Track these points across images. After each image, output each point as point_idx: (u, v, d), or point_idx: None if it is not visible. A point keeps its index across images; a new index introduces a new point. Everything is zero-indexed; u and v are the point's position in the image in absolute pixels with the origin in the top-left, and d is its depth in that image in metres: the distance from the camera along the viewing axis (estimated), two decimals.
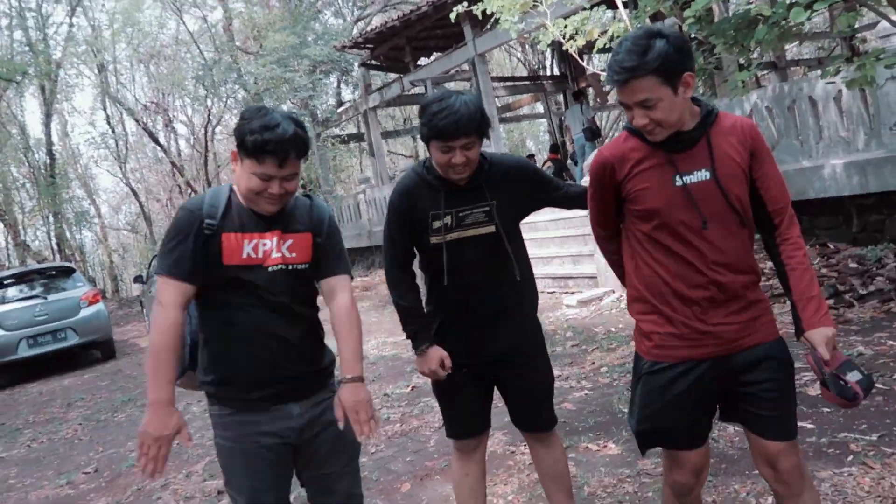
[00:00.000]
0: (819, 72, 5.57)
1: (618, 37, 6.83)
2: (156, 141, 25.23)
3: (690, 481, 2.01)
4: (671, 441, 2.00)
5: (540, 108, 19.50)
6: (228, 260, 1.96)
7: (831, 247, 6.46)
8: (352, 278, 2.19)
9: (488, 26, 10.86)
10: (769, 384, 1.88)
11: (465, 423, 2.45)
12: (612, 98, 16.76)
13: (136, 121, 24.95)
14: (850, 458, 2.96)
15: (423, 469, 3.75)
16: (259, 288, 1.97)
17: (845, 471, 2.85)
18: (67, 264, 12.11)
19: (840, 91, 6.14)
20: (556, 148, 14.73)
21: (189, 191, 26.04)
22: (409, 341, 2.40)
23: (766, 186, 1.88)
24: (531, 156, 17.23)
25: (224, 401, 2.03)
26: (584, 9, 7.57)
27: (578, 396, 4.44)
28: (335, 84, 19.10)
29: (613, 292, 7.31)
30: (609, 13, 13.36)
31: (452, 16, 7.57)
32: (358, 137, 19.55)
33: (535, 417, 2.46)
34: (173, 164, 25.71)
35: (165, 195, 29.71)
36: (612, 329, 6.06)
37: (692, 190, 1.84)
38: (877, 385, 3.69)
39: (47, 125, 22.77)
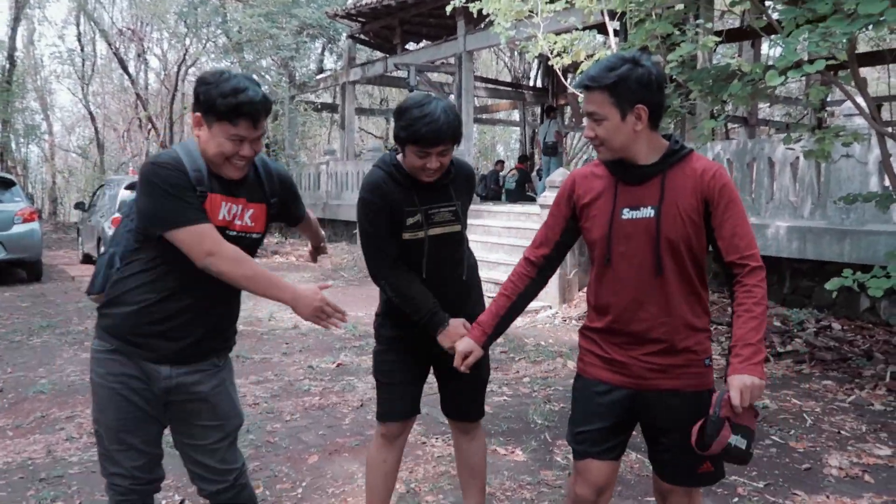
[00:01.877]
0: (783, 136, 5.81)
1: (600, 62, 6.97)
2: (125, 69, 24.39)
3: (591, 498, 2.01)
4: (583, 444, 2.01)
5: (516, 115, 19.65)
6: (211, 216, 1.98)
7: None
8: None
9: (481, 25, 10.91)
10: (674, 434, 1.91)
11: (396, 406, 2.48)
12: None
13: (108, 44, 24.05)
14: (736, 500, 3.13)
15: (334, 444, 3.79)
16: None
17: None
18: (7, 176, 11.64)
19: (798, 158, 6.42)
20: (524, 158, 14.94)
21: (149, 126, 25.32)
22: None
23: (721, 236, 1.85)
24: (500, 161, 17.35)
25: (113, 336, 2.03)
26: (577, 29, 7.69)
27: (497, 401, 4.54)
28: (319, 50, 18.86)
29: (550, 308, 7.46)
30: (600, 38, 13.58)
31: (448, 8, 7.59)
32: (331, 108, 19.37)
33: (467, 407, 2.54)
34: (138, 95, 24.91)
35: (124, 126, 28.80)
36: (542, 343, 6.20)
37: (631, 226, 1.87)
38: (773, 438, 3.90)
39: (13, 28, 21.77)
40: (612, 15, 6.86)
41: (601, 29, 8.58)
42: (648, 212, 1.86)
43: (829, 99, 11.01)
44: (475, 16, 8.32)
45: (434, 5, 12.11)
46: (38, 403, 4.50)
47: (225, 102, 1.88)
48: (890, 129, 5.08)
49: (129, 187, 10.17)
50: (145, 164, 1.97)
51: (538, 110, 18.39)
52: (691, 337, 1.92)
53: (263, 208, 2.13)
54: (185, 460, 2.18)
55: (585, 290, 2.19)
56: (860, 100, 4.89)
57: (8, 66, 21.72)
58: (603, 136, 1.85)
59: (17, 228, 9.65)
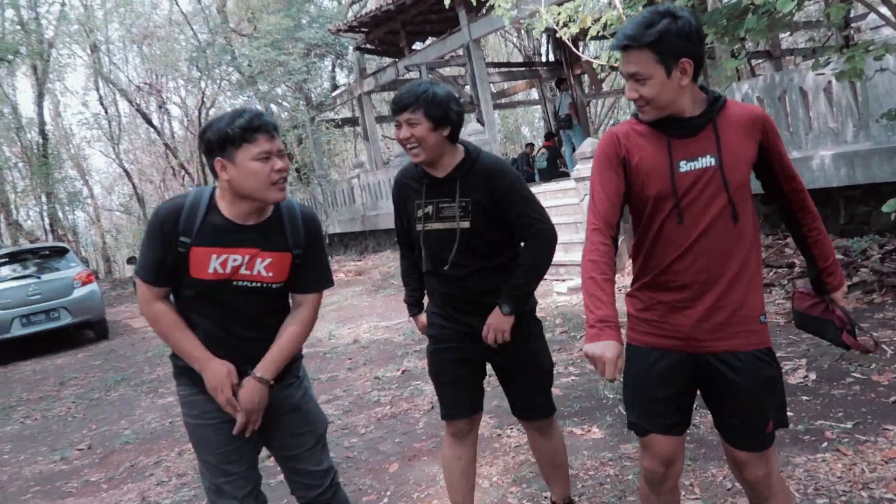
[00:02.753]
0: (811, 62, 5.61)
1: (611, 25, 6.85)
2: (149, 122, 25.08)
3: (660, 470, 1.96)
4: (644, 422, 1.96)
5: (535, 94, 19.47)
6: (196, 274, 2.00)
7: None
8: (332, 283, 2.23)
9: (483, 11, 10.85)
10: (740, 395, 1.84)
11: (457, 404, 2.48)
12: (607, 86, 16.78)
13: (129, 101, 24.79)
14: (825, 444, 3.05)
15: (412, 450, 3.83)
16: (224, 302, 2.03)
17: (819, 457, 2.94)
18: (61, 244, 12.10)
19: (830, 82, 6.19)
20: (550, 135, 14.78)
21: (183, 173, 25.94)
22: (399, 326, 2.52)
23: (782, 165, 1.89)
24: (530, 144, 17.18)
25: (190, 380, 2.11)
26: None
27: (566, 382, 4.52)
28: (330, 68, 19.03)
29: None
30: (604, 0, 13.34)
31: (447, 1, 7.55)
32: (352, 122, 19.52)
33: (534, 405, 2.49)
34: (167, 145, 25.59)
35: (159, 176, 29.61)
36: (578, 322, 6.13)
37: (693, 176, 1.81)
38: (854, 375, 3.78)
39: (39, 105, 22.60)
40: None
41: None
42: (709, 160, 1.81)
43: (851, 15, 10.60)
44: (475, 3, 8.26)
45: (433, 1, 12.08)
46: (126, 454, 4.68)
47: (235, 126, 1.91)
48: None
49: None
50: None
51: (555, 84, 18.22)
52: (752, 288, 1.86)
53: (286, 258, 2.07)
54: (285, 472, 2.29)
55: (631, 249, 2.03)
56: (884, 10, 4.69)
57: (41, 140, 22.58)
58: (649, 95, 1.78)
59: (78, 292, 10.02)
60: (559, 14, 7.16)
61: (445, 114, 2.23)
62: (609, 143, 1.91)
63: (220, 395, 2.00)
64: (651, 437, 1.96)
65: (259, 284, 2.04)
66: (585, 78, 15.60)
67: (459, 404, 2.48)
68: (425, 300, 2.65)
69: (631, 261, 2.04)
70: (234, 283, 2.01)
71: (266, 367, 2.06)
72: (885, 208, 4.38)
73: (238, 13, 20.57)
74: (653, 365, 1.92)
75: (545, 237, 2.32)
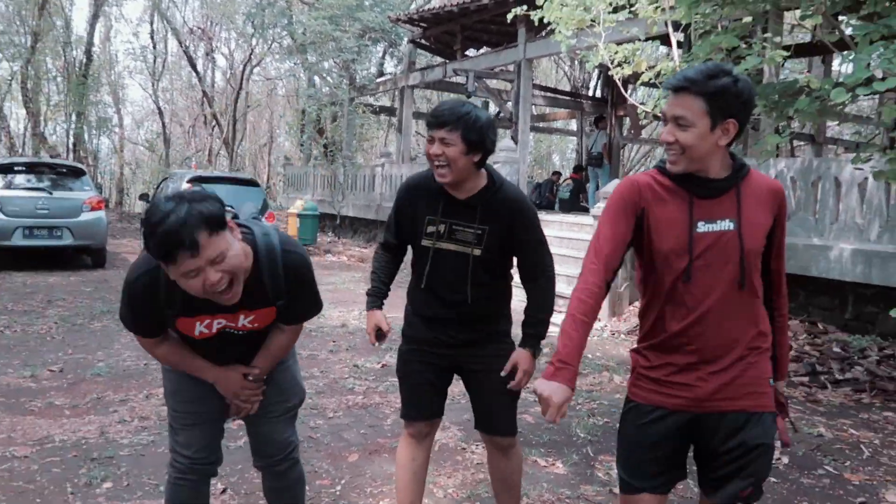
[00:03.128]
0: (852, 155, 5.59)
1: (664, 74, 6.85)
2: (193, 66, 25.24)
3: None
4: (636, 480, 1.92)
5: (573, 125, 19.49)
6: (183, 331, 2.05)
7: (820, 326, 6.50)
8: (320, 309, 2.26)
9: (542, 34, 10.87)
10: (735, 454, 1.83)
11: (420, 406, 2.50)
12: (646, 133, 16.78)
13: (179, 42, 24.95)
14: None
15: (375, 444, 3.82)
16: (213, 345, 2.10)
17: None
18: (79, 165, 12.15)
19: (866, 179, 6.17)
20: (579, 168, 14.80)
21: (214, 122, 26.06)
22: (391, 320, 2.55)
23: (780, 244, 1.91)
24: (557, 172, 17.19)
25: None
26: (639, 40, 7.58)
27: (540, 411, 4.49)
28: (380, 54, 19.10)
29: (599, 321, 7.35)
30: (663, 49, 13.34)
31: (510, 16, 7.58)
32: (390, 111, 19.60)
33: (497, 421, 2.47)
34: (205, 93, 25.74)
35: (189, 121, 29.77)
36: (590, 355, 6.11)
37: (711, 238, 1.80)
38: (826, 468, 3.74)
39: (92, 25, 22.81)
40: (677, 26, 6.73)
41: (664, 40, 8.42)
42: (727, 224, 1.80)
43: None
44: (536, 24, 8.29)
45: (496, 12, 12.12)
46: (95, 385, 4.68)
47: (154, 246, 1.73)
48: None
49: (192, 181, 10.47)
50: (128, 273, 1.98)
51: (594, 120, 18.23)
52: (761, 354, 1.87)
53: (272, 311, 2.08)
54: (249, 435, 2.34)
55: (638, 306, 2.00)
56: None
57: (85, 60, 22.75)
58: (686, 142, 1.76)
59: (85, 216, 10.06)
60: (616, 53, 7.17)
61: (482, 140, 2.20)
62: (629, 189, 1.87)
63: (238, 399, 2.17)
64: (641, 496, 1.91)
65: (246, 332, 2.10)
66: (626, 120, 15.61)
67: (422, 406, 2.50)
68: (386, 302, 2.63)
69: (636, 312, 2.06)
70: (223, 331, 2.07)
71: (259, 360, 2.19)
72: (892, 312, 4.35)
73: None
74: (653, 423, 1.88)
75: (554, 282, 2.44)
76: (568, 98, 17.20)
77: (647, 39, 7.93)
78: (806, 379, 5.46)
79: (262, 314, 2.05)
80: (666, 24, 6.87)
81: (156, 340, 2.08)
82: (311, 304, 2.17)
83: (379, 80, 17.69)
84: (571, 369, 1.77)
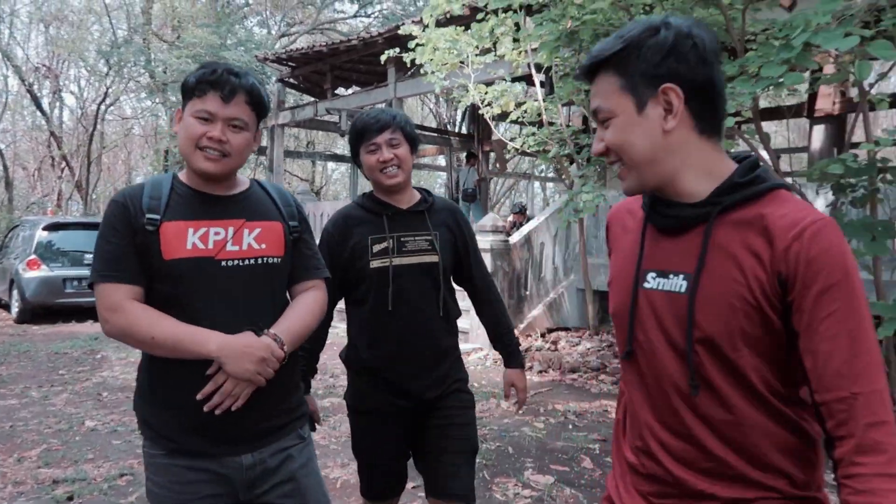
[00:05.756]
0: None
1: (529, 112, 7.37)
2: (38, 106, 23.56)
3: None
4: None
5: (441, 161, 20.11)
6: (170, 254, 1.57)
7: None
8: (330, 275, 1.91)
9: (410, 73, 11.28)
10: None
11: (387, 487, 2.27)
12: (511, 166, 17.64)
13: (22, 80, 23.24)
14: None
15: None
16: (213, 289, 1.59)
17: None
18: None
19: None
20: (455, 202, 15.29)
21: (63, 165, 24.37)
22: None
23: (809, 350, 1.01)
24: None
25: (157, 439, 1.62)
26: (504, 80, 8.10)
27: None
28: None
29: (482, 349, 7.63)
30: (531, 88, 14.22)
31: (383, 58, 7.85)
32: (260, 151, 19.28)
33: (455, 477, 2.14)
34: (52, 133, 24.05)
35: (35, 164, 27.62)
36: (475, 384, 6.33)
37: (658, 301, 1.14)
38: None
39: None
40: (539, 68, 7.26)
41: (529, 81, 9.02)
42: (679, 283, 1.11)
43: (734, 152, 11.83)
44: (408, 65, 8.63)
45: (365, 52, 12.42)
46: None
47: (195, 76, 1.63)
48: (789, 180, 5.58)
49: (48, 227, 9.79)
50: None
51: (463, 156, 18.92)
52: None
53: (278, 227, 1.71)
54: None
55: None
56: (763, 152, 5.37)
57: None
58: (614, 142, 1.11)
59: None
60: (486, 93, 7.60)
61: (416, 135, 2.18)
62: (608, 221, 1.34)
63: (256, 376, 1.55)
64: None
65: (254, 261, 1.64)
66: (492, 155, 16.36)
67: (390, 487, 2.28)
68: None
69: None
70: (222, 262, 1.61)
71: (279, 326, 1.65)
72: None
73: (164, 17, 20.08)
74: None
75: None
76: (436, 135, 17.76)
77: (513, 80, 8.46)
78: None
79: (268, 229, 1.68)
80: (529, 67, 7.39)
81: (126, 292, 1.54)
82: (318, 251, 1.84)
83: None
84: None
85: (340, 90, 15.37)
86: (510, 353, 2.31)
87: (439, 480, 2.16)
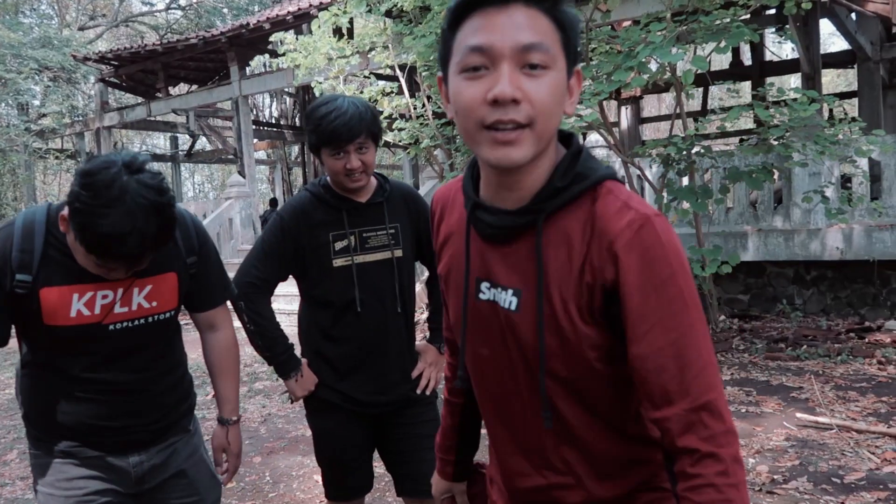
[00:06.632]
0: None
1: (397, 107, 8.21)
2: None
3: None
4: None
5: (261, 154, 20.09)
6: (51, 320, 1.46)
7: None
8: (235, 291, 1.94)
9: (250, 68, 11.52)
10: None
11: (354, 488, 2.21)
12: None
13: None
14: None
15: (266, 448, 4.33)
16: (98, 353, 1.53)
17: None
18: None
19: None
20: (274, 201, 15.62)
21: None
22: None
23: (635, 356, 0.93)
24: (273, 200, 17.53)
25: (44, 443, 1.60)
26: (366, 77, 8.91)
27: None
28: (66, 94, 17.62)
29: None
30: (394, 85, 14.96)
31: (255, 63, 8.26)
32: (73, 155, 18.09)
33: (422, 479, 1.96)
34: None
35: None
36: None
37: (487, 313, 1.05)
38: None
39: None
40: (402, 68, 8.13)
41: (393, 79, 9.79)
42: (509, 298, 1.01)
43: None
44: (249, 63, 9.08)
45: (204, 50, 12.40)
46: None
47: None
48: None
49: None
50: None
51: (295, 149, 19.23)
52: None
53: (172, 279, 1.58)
54: None
55: None
56: (609, 139, 6.70)
57: None
58: (544, 103, 0.90)
59: None
60: (361, 93, 8.36)
61: (381, 133, 2.06)
62: (435, 200, 1.21)
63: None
64: None
65: (143, 320, 1.55)
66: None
67: (357, 488, 2.22)
68: None
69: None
70: (109, 326, 1.51)
71: (232, 406, 1.79)
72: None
73: None
74: None
75: None
76: (275, 129, 17.80)
77: (379, 78, 9.23)
78: None
79: (161, 284, 1.55)
80: (393, 69, 8.23)
81: None
82: (220, 272, 1.75)
83: (65, 121, 16.35)
84: (444, 460, 1.39)
85: (172, 89, 15.02)
86: (433, 329, 2.27)
87: (406, 482, 2.16)
